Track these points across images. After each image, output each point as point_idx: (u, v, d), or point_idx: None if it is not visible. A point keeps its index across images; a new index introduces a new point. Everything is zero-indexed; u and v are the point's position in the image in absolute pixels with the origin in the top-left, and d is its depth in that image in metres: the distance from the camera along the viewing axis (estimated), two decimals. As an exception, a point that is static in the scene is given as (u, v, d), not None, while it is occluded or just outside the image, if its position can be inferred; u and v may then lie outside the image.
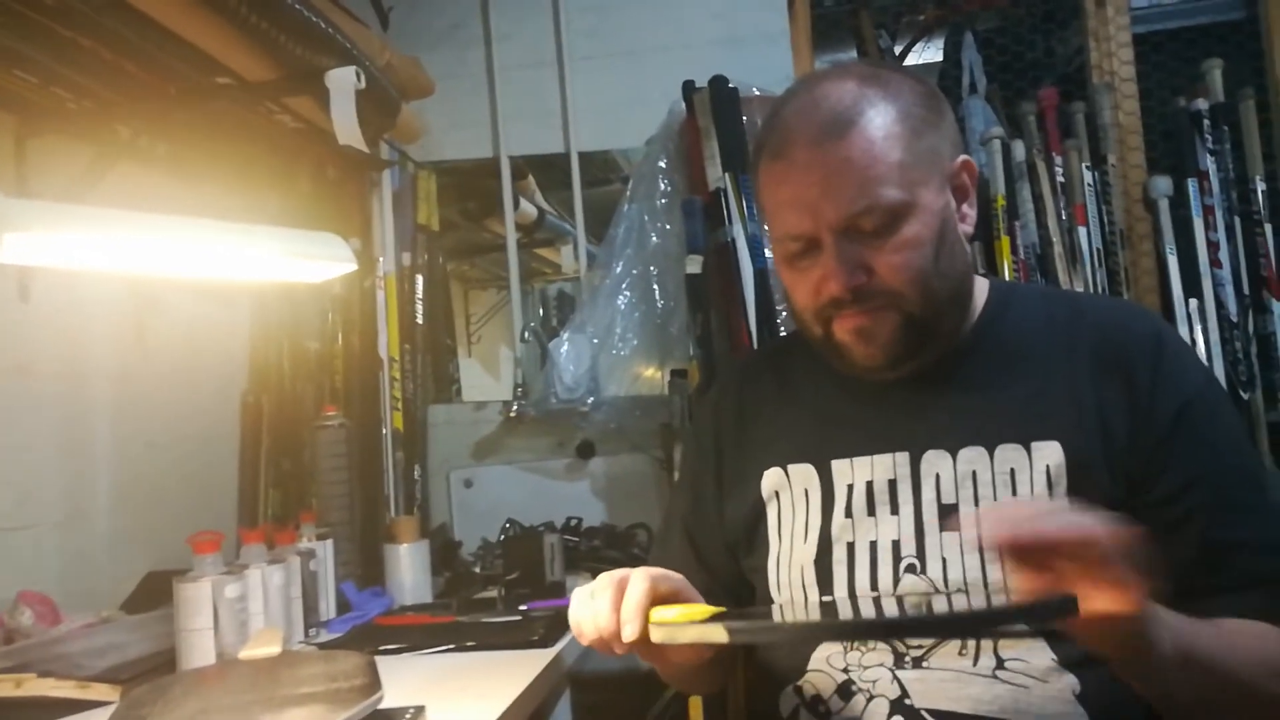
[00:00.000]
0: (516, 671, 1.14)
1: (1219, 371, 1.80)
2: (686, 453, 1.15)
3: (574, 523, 1.93)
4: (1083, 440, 0.86)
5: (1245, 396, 1.81)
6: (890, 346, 0.88)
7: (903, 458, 0.91)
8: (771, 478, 0.97)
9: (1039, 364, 0.90)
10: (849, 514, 0.92)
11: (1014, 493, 0.86)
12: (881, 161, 0.85)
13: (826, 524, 0.92)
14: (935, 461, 0.89)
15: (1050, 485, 0.85)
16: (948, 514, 0.87)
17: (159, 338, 1.62)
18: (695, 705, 1.85)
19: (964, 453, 0.88)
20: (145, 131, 1.46)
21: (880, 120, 0.85)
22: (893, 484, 0.91)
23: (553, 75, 2.14)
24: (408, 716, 0.93)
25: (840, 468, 0.93)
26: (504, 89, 2.15)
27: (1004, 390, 0.90)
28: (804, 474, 0.95)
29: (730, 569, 1.02)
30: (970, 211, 0.91)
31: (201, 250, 1.09)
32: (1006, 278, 1.84)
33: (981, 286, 0.96)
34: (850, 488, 0.92)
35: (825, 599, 0.91)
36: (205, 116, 1.47)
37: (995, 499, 0.86)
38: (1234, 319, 1.82)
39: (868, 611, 0.84)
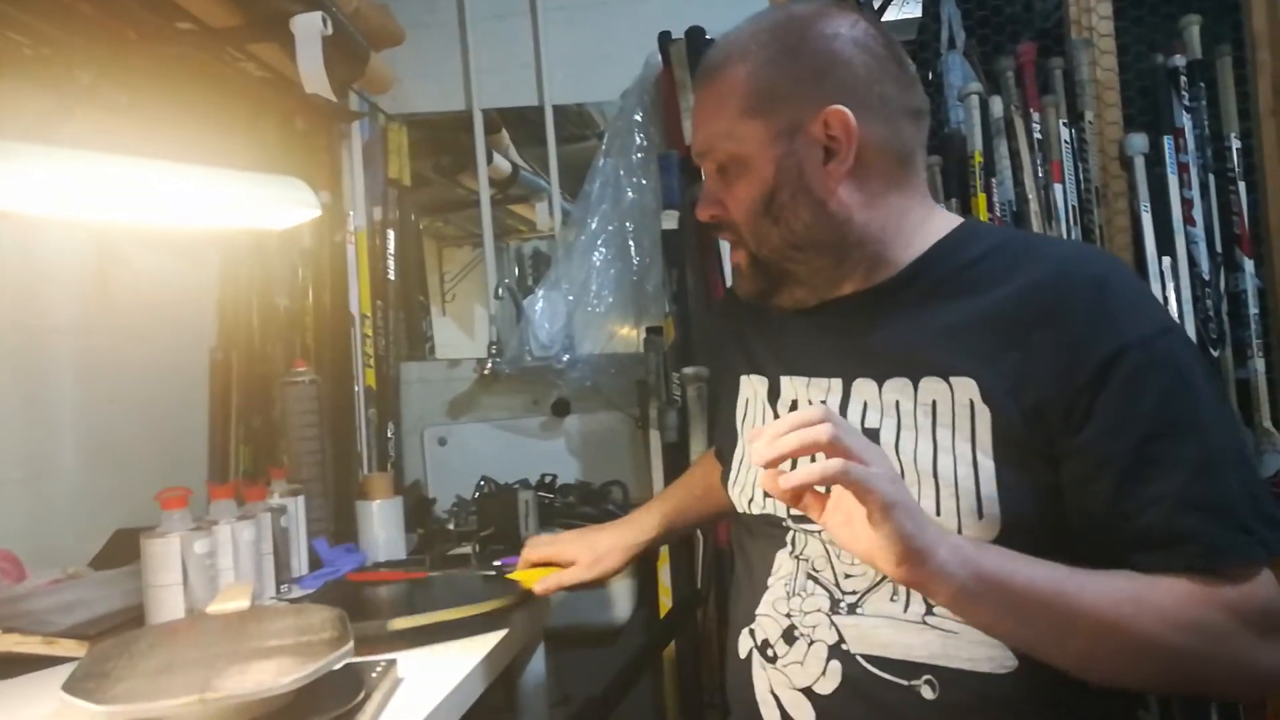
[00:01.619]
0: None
1: (1190, 330, 1.81)
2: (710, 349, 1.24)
3: (549, 479, 1.93)
4: (994, 380, 0.83)
5: (1215, 354, 1.82)
6: (748, 281, 0.97)
7: (836, 384, 0.93)
8: (745, 383, 1.05)
9: (970, 300, 0.88)
10: None
11: (934, 422, 0.86)
12: (720, 113, 0.92)
13: None
14: (863, 390, 0.91)
15: (973, 419, 0.84)
16: (871, 438, 0.88)
17: (123, 292, 1.59)
18: (669, 660, 1.87)
19: (890, 383, 0.89)
20: (105, 78, 1.42)
21: (732, 71, 0.91)
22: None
23: (526, 25, 2.11)
24: (378, 670, 0.92)
25: (786, 384, 0.99)
26: (476, 39, 2.11)
27: (932, 323, 0.89)
28: (763, 385, 1.02)
29: None
30: (838, 168, 0.89)
31: (162, 192, 1.07)
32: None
33: (943, 224, 0.95)
34: (794, 403, 0.97)
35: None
36: (167, 64, 1.43)
37: (915, 427, 0.86)
38: (1206, 277, 1.83)
39: None
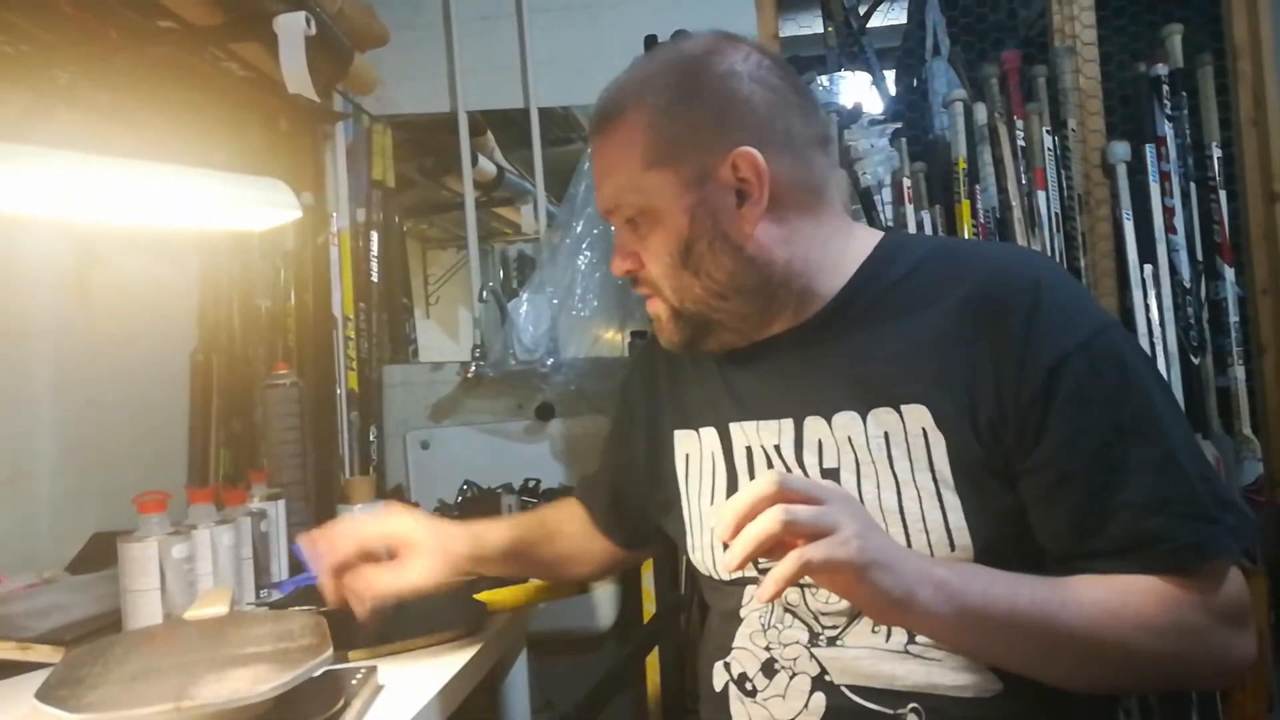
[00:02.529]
0: (471, 631, 1.12)
1: (1170, 337, 1.82)
2: (618, 408, 1.17)
3: (532, 484, 1.92)
4: (946, 403, 0.82)
5: (1196, 361, 1.84)
6: (671, 333, 0.93)
7: (787, 424, 0.91)
8: (683, 439, 1.01)
9: (909, 321, 0.86)
10: (751, 477, 0.93)
11: (889, 456, 0.84)
12: (622, 166, 0.88)
13: (733, 487, 0.95)
14: (815, 427, 0.89)
15: (928, 448, 0.83)
16: (829, 479, 0.87)
17: (103, 294, 1.58)
18: (652, 666, 1.86)
19: (838, 418, 0.87)
20: (85, 77, 1.40)
21: (629, 121, 0.88)
22: (778, 449, 0.91)
23: (511, 27, 2.10)
24: (359, 676, 0.91)
25: (736, 431, 0.95)
26: (461, 41, 2.11)
27: (874, 351, 0.87)
28: (710, 437, 0.97)
29: (646, 520, 1.08)
30: (753, 210, 0.86)
31: (141, 192, 1.05)
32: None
33: (866, 242, 0.93)
34: (749, 450, 0.94)
35: None
36: (148, 63, 1.41)
37: (873, 463, 0.85)
38: (1187, 285, 1.84)
39: None
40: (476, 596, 1.21)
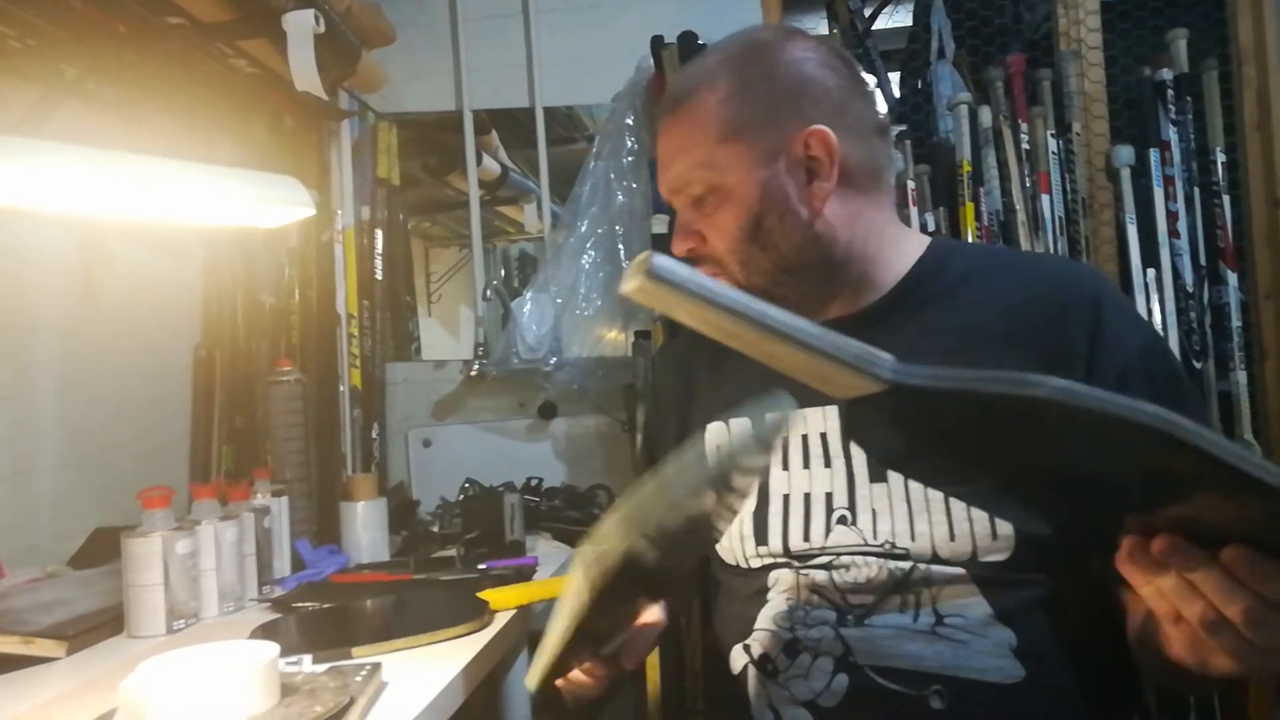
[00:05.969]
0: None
1: (1173, 341, 1.82)
2: (649, 410, 1.16)
3: (535, 483, 1.93)
4: None
5: (1198, 366, 1.84)
6: None
7: (832, 410, 0.92)
8: (713, 432, 1.00)
9: (965, 319, 0.90)
10: (785, 467, 0.94)
11: None
12: (695, 144, 0.90)
13: (765, 477, 0.95)
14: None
15: None
16: (875, 467, 0.89)
17: (108, 290, 1.58)
18: (652, 665, 1.86)
19: None
20: (93, 72, 1.41)
21: (703, 100, 0.90)
22: (824, 436, 0.92)
23: (518, 26, 2.10)
24: (363, 673, 0.91)
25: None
26: (467, 40, 2.11)
27: (929, 344, 0.89)
28: (742, 428, 0.97)
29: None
30: (823, 187, 0.89)
31: (152, 187, 1.05)
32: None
33: (919, 242, 0.97)
34: (786, 440, 0.94)
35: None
36: (156, 58, 1.42)
37: None
38: (1190, 289, 1.84)
39: None
40: (479, 594, 1.21)
